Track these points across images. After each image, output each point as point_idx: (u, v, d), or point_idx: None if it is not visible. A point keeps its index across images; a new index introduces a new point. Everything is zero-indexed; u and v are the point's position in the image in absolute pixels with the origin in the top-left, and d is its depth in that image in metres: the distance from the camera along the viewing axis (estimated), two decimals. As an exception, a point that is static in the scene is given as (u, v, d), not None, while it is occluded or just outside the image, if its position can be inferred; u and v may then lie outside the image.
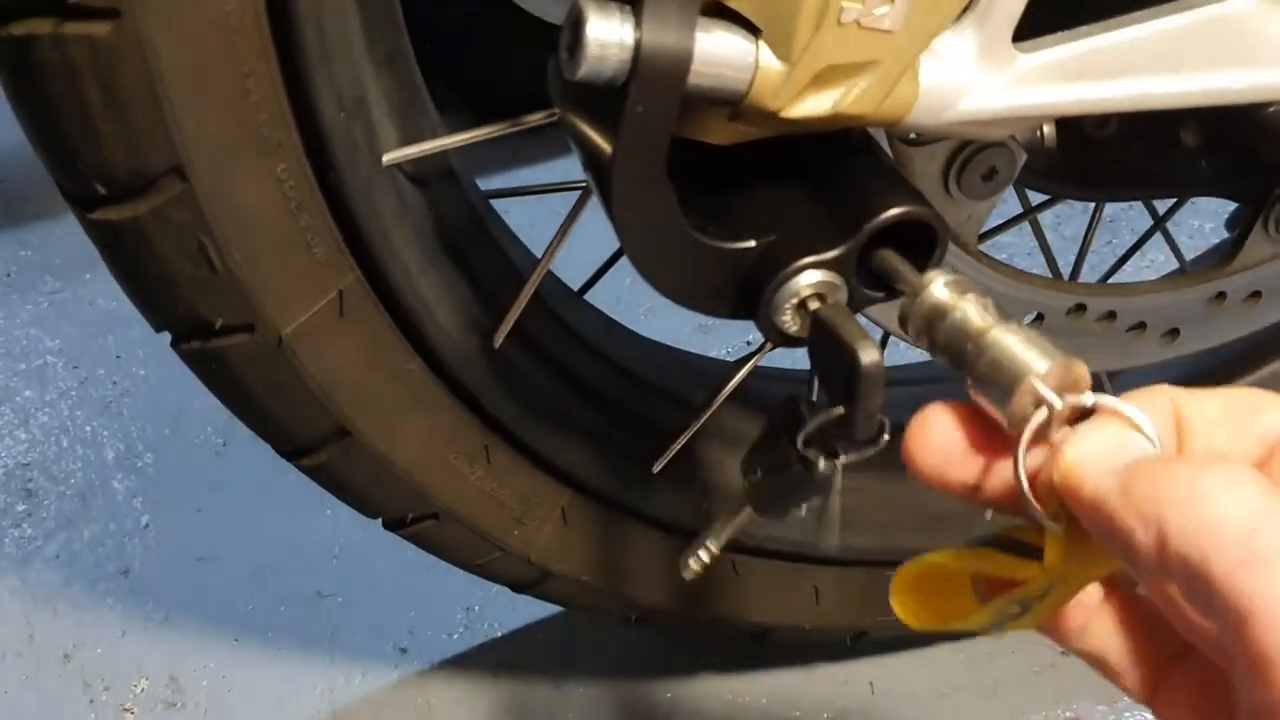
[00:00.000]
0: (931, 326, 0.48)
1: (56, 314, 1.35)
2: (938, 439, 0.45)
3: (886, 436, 0.59)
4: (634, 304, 1.20)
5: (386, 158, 0.59)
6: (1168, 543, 0.36)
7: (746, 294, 0.55)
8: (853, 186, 0.55)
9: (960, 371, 0.46)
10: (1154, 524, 0.37)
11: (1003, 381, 0.43)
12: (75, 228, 0.61)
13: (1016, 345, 0.44)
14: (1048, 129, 0.71)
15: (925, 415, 0.45)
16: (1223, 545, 0.35)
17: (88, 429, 1.22)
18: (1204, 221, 1.41)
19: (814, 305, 0.53)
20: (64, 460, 1.19)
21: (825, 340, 0.53)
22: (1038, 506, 0.42)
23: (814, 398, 0.59)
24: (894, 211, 0.53)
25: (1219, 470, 0.37)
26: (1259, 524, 0.35)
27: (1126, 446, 0.40)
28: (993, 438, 0.45)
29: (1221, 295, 0.76)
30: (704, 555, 0.64)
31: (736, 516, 0.63)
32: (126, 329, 1.30)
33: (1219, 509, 0.36)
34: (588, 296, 0.81)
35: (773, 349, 0.83)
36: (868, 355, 0.50)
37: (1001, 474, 0.44)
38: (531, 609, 1.04)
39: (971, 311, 0.47)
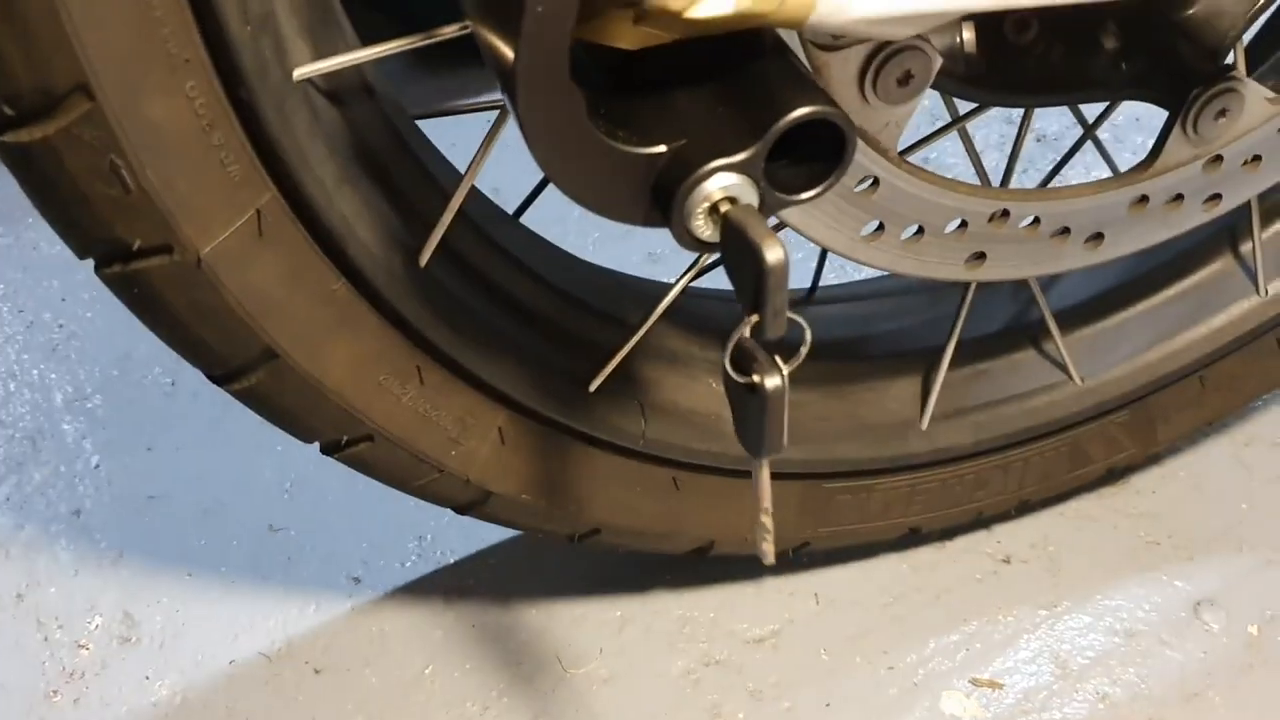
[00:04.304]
0: None
1: (0, 260, 1.34)
2: None
3: (808, 336, 0.60)
4: (582, 233, 1.20)
5: (297, 72, 0.59)
6: None
7: (659, 199, 0.55)
8: (762, 89, 0.55)
9: None
10: None
11: None
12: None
13: None
14: (966, 34, 0.71)
15: None
16: None
17: (35, 373, 1.21)
18: (1147, 139, 1.41)
19: (725, 208, 0.54)
20: (12, 404, 1.18)
21: (736, 243, 0.53)
22: None
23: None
24: (801, 111, 0.53)
25: None
26: None
27: None
28: None
29: (1144, 199, 0.77)
30: (767, 524, 0.63)
31: (758, 473, 0.63)
32: (71, 273, 1.29)
33: None
34: (537, 229, 0.81)
35: (708, 267, 0.84)
36: (773, 253, 0.50)
37: None
38: (483, 536, 1.05)
39: None
